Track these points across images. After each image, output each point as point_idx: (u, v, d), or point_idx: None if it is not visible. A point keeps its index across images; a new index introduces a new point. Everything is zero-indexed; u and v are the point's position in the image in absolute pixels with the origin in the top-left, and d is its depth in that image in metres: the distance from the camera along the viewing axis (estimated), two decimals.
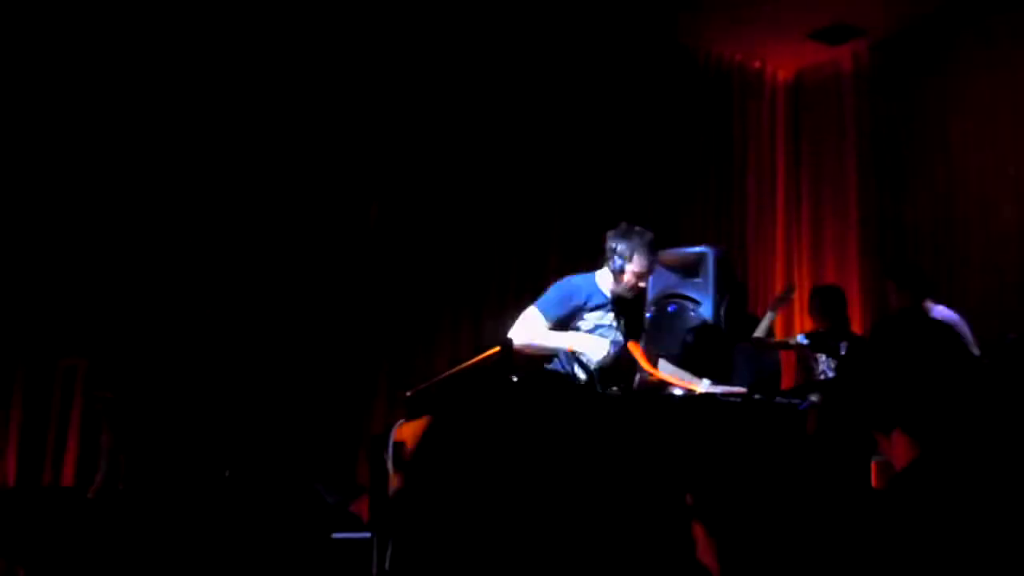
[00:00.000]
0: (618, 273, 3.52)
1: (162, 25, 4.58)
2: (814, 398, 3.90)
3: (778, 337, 5.53)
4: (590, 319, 3.55)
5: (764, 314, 5.16)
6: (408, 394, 3.55)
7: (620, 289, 3.55)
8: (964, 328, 4.37)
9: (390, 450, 3.44)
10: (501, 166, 5.62)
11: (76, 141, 4.45)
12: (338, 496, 3.77)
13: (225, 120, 4.78)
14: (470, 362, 3.47)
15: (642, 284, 3.54)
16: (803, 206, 6.93)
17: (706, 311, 3.50)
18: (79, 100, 4.46)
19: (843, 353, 4.64)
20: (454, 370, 3.49)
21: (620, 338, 3.50)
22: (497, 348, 3.49)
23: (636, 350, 3.50)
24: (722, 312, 3.48)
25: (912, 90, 6.22)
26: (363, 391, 4.95)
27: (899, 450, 1.80)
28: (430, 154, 5.38)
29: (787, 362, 5.38)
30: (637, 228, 3.55)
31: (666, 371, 3.39)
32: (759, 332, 5.07)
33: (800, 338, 4.97)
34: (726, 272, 3.67)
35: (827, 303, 4.89)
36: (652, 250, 3.52)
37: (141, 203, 4.53)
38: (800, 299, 6.28)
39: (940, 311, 4.51)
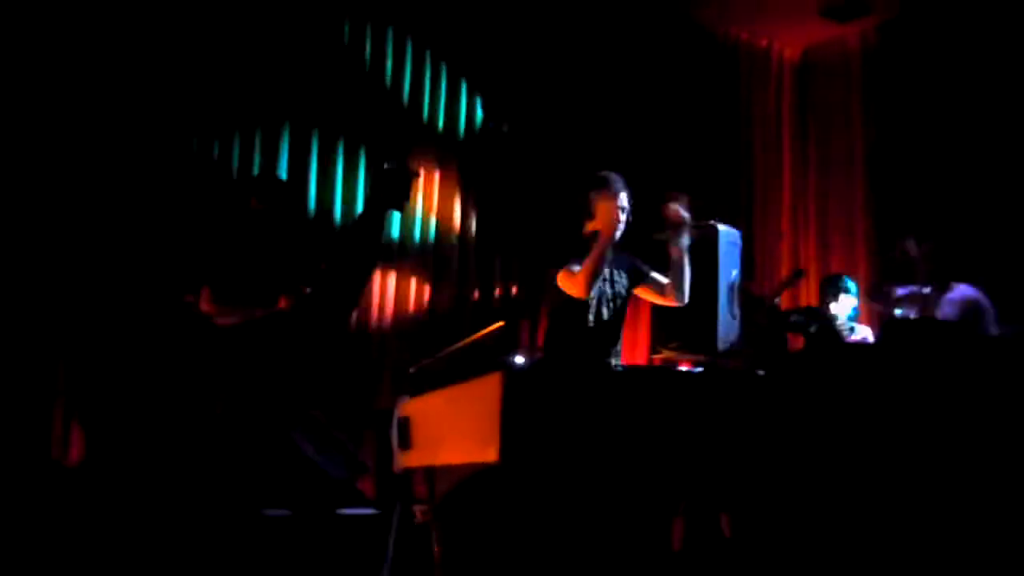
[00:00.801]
0: (590, 221, 3.55)
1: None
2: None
3: None
4: None
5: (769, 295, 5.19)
6: (412, 370, 3.53)
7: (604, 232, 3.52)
8: (986, 304, 4.38)
9: (394, 426, 3.42)
10: (508, 142, 5.58)
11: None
12: (346, 471, 3.75)
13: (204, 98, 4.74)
14: (472, 338, 3.45)
15: (616, 217, 3.49)
16: (809, 186, 6.89)
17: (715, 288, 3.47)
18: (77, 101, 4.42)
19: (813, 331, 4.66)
20: (456, 346, 3.46)
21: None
22: (499, 324, 3.47)
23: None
24: (732, 286, 3.44)
25: (920, 69, 6.16)
26: (368, 368, 4.94)
27: None
28: (429, 134, 5.35)
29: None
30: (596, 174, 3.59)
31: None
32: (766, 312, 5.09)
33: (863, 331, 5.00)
34: (735, 248, 3.64)
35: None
36: (616, 183, 3.53)
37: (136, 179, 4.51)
38: (807, 283, 6.28)
39: (962, 290, 4.51)
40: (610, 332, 3.54)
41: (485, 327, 3.44)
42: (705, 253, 3.67)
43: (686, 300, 3.49)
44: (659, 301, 3.63)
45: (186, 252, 4.21)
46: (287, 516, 3.55)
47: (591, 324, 3.50)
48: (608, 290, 3.55)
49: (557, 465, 2.50)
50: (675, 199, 3.44)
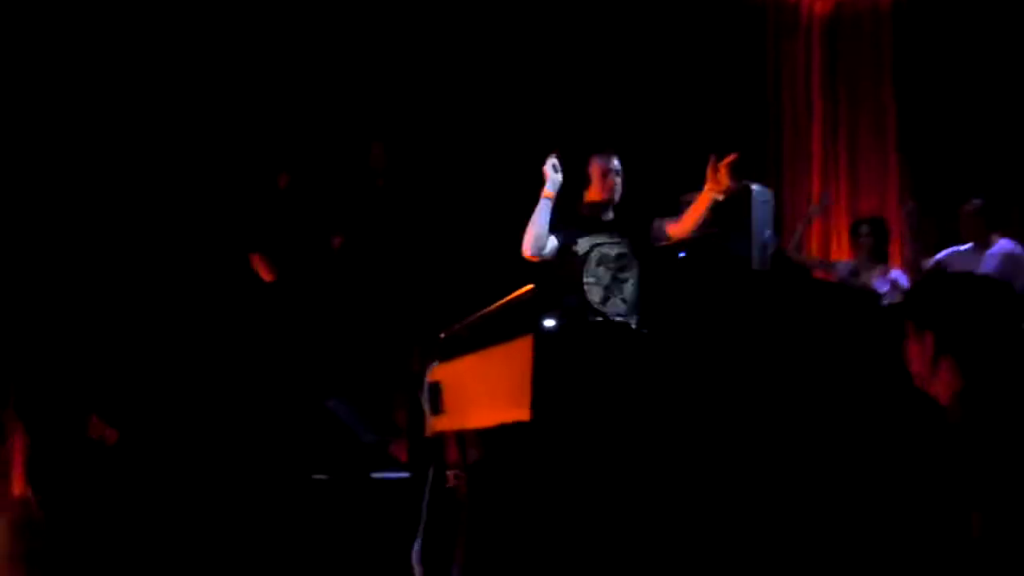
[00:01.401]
0: (588, 189, 3.71)
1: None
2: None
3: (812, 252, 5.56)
4: (583, 243, 3.65)
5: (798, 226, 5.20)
6: (442, 335, 3.54)
7: (599, 197, 3.69)
8: None
9: (425, 391, 3.44)
10: (532, 106, 5.56)
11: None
12: (376, 435, 3.79)
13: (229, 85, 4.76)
14: (501, 302, 3.44)
15: (610, 179, 3.68)
16: (840, 144, 6.78)
17: (747, 247, 3.44)
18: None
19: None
20: (485, 311, 3.46)
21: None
22: (528, 287, 3.47)
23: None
24: (766, 245, 3.41)
25: (951, 21, 6.04)
26: (398, 333, 4.97)
27: (943, 384, 1.77)
28: (468, 104, 5.36)
29: None
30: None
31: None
32: (793, 243, 5.09)
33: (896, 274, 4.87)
34: (769, 208, 3.61)
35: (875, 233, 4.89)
36: (601, 151, 3.73)
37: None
38: (840, 228, 6.22)
39: (1004, 244, 4.45)
40: (615, 293, 3.61)
41: (514, 290, 3.43)
42: (739, 212, 3.64)
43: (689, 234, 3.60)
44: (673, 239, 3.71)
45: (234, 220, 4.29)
46: (323, 479, 3.60)
47: (589, 286, 3.62)
48: (609, 252, 3.64)
49: (586, 424, 2.51)
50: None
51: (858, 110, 6.69)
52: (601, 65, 5.78)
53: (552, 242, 3.63)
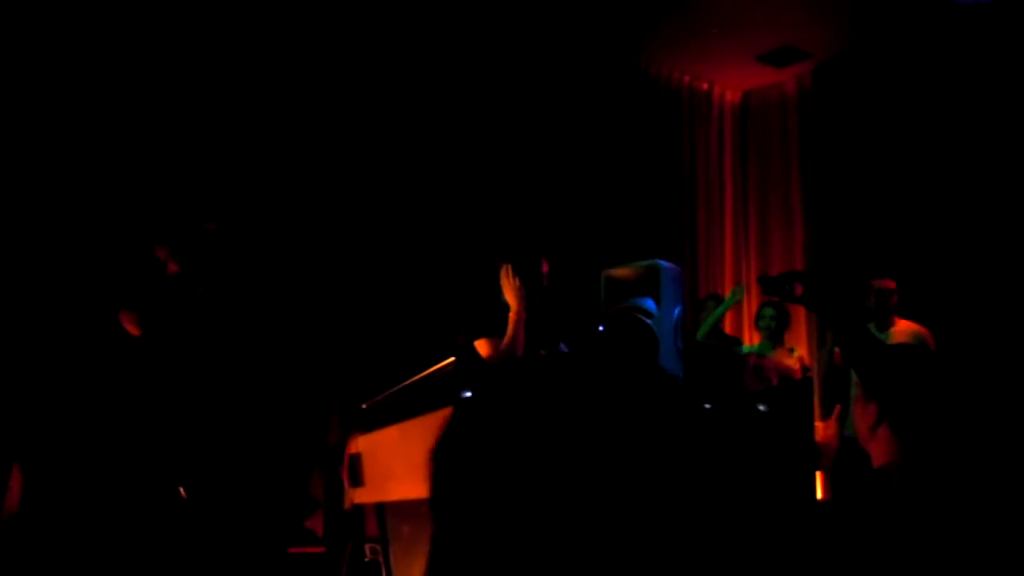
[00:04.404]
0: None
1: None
2: (762, 407, 4.01)
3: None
4: None
5: (711, 312, 5.32)
6: (364, 406, 3.55)
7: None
8: (927, 339, 4.56)
9: (345, 463, 3.44)
10: (452, 181, 5.65)
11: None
12: (292, 508, 3.74)
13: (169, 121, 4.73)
14: (424, 373, 3.48)
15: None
16: (751, 223, 7.11)
17: (659, 324, 3.54)
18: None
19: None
20: (407, 382, 3.49)
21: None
22: (450, 360, 3.51)
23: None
24: (676, 322, 3.53)
25: (853, 110, 6.45)
26: (318, 405, 4.93)
27: (879, 449, 1.85)
28: (379, 167, 5.40)
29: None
30: None
31: None
32: (704, 329, 5.24)
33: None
34: (678, 285, 3.74)
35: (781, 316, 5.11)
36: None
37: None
38: (749, 310, 6.45)
39: (906, 324, 4.68)
40: None
41: (436, 363, 3.48)
42: (649, 290, 3.77)
43: None
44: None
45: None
46: (237, 553, 3.53)
47: None
48: None
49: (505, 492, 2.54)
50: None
51: (768, 191, 7.04)
52: (519, 144, 5.93)
53: None
